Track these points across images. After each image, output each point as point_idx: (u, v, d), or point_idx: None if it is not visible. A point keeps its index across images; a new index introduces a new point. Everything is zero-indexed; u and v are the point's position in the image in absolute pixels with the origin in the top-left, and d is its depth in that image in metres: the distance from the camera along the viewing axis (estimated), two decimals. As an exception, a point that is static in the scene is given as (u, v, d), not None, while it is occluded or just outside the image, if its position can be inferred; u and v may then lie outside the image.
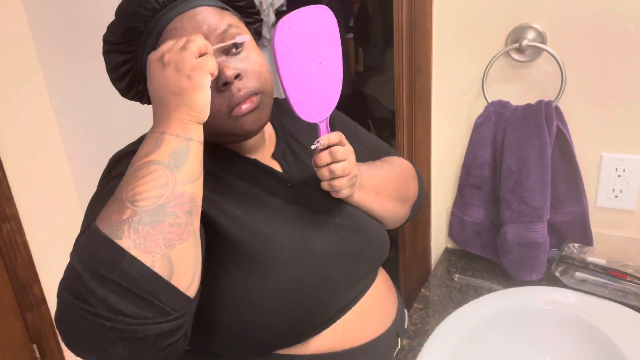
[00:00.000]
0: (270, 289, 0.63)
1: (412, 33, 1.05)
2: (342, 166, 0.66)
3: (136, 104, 0.73)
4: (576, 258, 0.93)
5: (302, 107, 0.64)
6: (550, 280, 0.96)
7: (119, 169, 0.62)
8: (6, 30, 1.50)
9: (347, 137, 0.69)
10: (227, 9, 0.66)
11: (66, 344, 0.49)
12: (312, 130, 0.80)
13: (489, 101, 1.00)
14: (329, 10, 0.65)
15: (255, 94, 0.64)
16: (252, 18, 0.73)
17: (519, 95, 1.00)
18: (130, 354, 0.48)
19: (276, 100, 0.79)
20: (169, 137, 0.53)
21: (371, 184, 0.76)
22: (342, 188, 0.67)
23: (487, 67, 0.97)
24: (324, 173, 0.66)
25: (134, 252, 0.47)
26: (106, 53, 0.67)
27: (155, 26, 0.62)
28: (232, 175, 0.69)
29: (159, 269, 0.48)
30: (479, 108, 1.02)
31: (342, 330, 0.70)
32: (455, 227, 1.11)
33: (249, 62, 0.64)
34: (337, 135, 0.67)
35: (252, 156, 0.72)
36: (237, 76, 0.62)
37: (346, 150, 0.67)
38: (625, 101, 0.91)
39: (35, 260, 1.63)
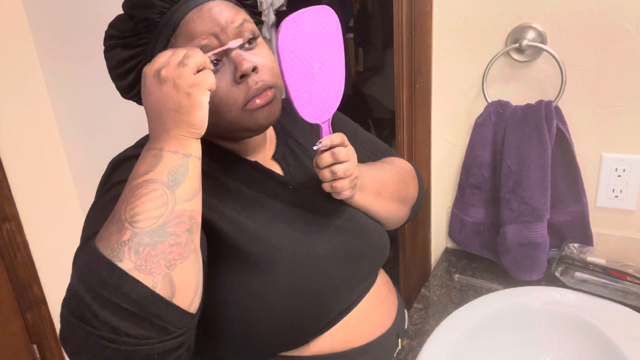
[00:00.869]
0: (271, 291, 0.63)
1: (412, 33, 1.05)
2: (344, 167, 0.66)
3: (137, 104, 0.73)
4: (576, 258, 0.93)
5: (305, 108, 0.64)
6: (550, 280, 0.96)
7: (119, 176, 0.62)
8: (6, 30, 1.50)
9: (347, 138, 0.69)
10: (239, 5, 0.67)
11: None
12: (313, 132, 0.81)
13: (489, 101, 1.00)
14: (332, 11, 0.65)
15: (270, 87, 0.64)
16: (256, 18, 0.73)
17: (519, 95, 1.00)
18: None
19: None
20: (167, 154, 0.52)
21: (372, 185, 0.76)
22: (343, 189, 0.67)
23: (487, 67, 0.98)
24: (325, 174, 0.66)
25: (135, 274, 0.47)
26: (110, 49, 0.66)
27: (171, 17, 0.61)
28: (232, 179, 0.69)
29: (161, 290, 0.48)
30: (479, 108, 1.02)
31: (342, 331, 0.70)
32: (455, 227, 1.11)
33: (263, 57, 0.64)
34: (339, 137, 0.67)
35: (253, 158, 0.72)
36: (254, 69, 0.62)
37: (348, 152, 0.66)
38: (625, 101, 0.91)
39: (35, 260, 1.63)
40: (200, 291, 0.53)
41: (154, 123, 0.54)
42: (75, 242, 0.54)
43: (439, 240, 1.20)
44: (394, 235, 1.02)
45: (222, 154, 0.70)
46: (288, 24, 0.60)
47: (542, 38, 0.94)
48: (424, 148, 1.13)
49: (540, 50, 0.94)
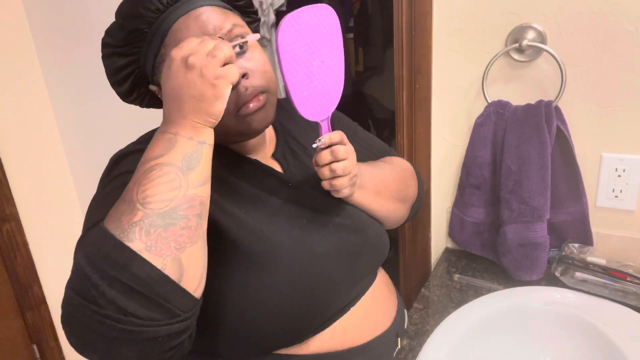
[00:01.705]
0: (270, 289, 0.63)
1: (412, 33, 1.05)
2: (343, 165, 0.66)
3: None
4: (576, 258, 0.93)
5: (304, 106, 0.65)
6: (550, 280, 0.96)
7: (120, 168, 0.62)
8: (6, 30, 1.50)
9: (347, 137, 0.69)
10: (229, 9, 0.66)
11: (72, 344, 0.49)
12: (312, 131, 0.81)
13: (489, 101, 1.00)
14: (332, 9, 0.65)
15: (261, 92, 0.64)
16: (250, 18, 0.73)
17: (519, 95, 1.00)
18: (137, 355, 0.48)
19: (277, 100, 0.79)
20: (182, 139, 0.53)
21: (371, 184, 0.76)
22: (342, 187, 0.67)
23: (487, 67, 0.98)
24: (324, 172, 0.66)
25: (145, 255, 0.47)
26: (106, 57, 0.66)
27: (159, 27, 0.62)
28: (232, 176, 0.69)
29: (170, 271, 0.48)
30: (479, 108, 1.02)
31: (342, 330, 0.70)
32: (455, 227, 1.11)
33: (254, 61, 0.64)
34: (338, 134, 0.67)
35: (253, 156, 0.72)
36: (244, 75, 0.62)
37: (347, 150, 0.67)
38: (625, 101, 0.91)
39: (35, 260, 1.63)
40: (205, 277, 0.54)
41: (172, 107, 0.54)
42: (76, 242, 0.54)
43: (439, 240, 1.20)
44: (394, 235, 1.02)
45: (222, 151, 0.70)
46: (288, 22, 0.60)
47: (542, 38, 0.94)
48: (424, 148, 1.13)
49: (540, 50, 0.94)
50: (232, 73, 0.55)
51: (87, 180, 1.70)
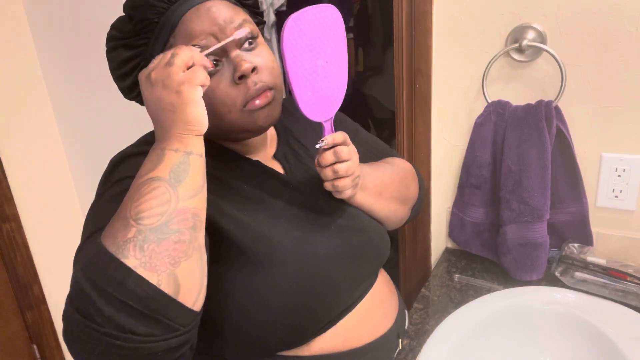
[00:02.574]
0: (272, 291, 0.63)
1: (412, 33, 1.05)
2: (345, 166, 0.66)
3: (136, 104, 0.73)
4: (576, 258, 0.93)
5: (308, 106, 0.65)
6: (550, 280, 0.96)
7: (119, 173, 0.62)
8: (6, 30, 1.50)
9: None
10: (239, 6, 0.67)
11: (73, 358, 0.49)
12: (314, 131, 0.81)
13: (489, 101, 1.00)
14: (336, 9, 0.65)
15: (269, 88, 0.64)
16: (257, 19, 0.73)
17: (519, 95, 1.00)
18: None
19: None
20: (169, 153, 0.52)
21: (373, 185, 0.76)
22: (345, 188, 0.67)
23: (487, 67, 0.98)
24: (327, 173, 0.66)
25: (140, 271, 0.47)
26: (111, 50, 0.66)
27: (169, 18, 0.61)
28: (234, 177, 0.69)
29: (166, 287, 0.48)
30: (479, 108, 1.02)
31: (343, 331, 0.70)
32: (455, 227, 1.11)
33: (263, 58, 0.64)
34: (341, 135, 0.66)
35: (254, 157, 0.72)
36: (254, 69, 0.62)
37: (350, 151, 0.66)
38: (625, 101, 0.91)
39: (35, 260, 1.63)
40: (205, 290, 0.54)
41: (155, 125, 0.55)
42: (76, 242, 0.54)
43: (439, 240, 1.20)
44: (394, 236, 1.02)
45: (223, 152, 0.70)
46: (292, 22, 0.60)
47: (542, 38, 0.94)
48: (424, 148, 1.13)
49: (540, 50, 0.94)
50: (196, 75, 0.53)
51: (87, 180, 1.70)
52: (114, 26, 0.65)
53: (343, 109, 0.78)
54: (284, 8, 1.93)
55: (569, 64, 0.93)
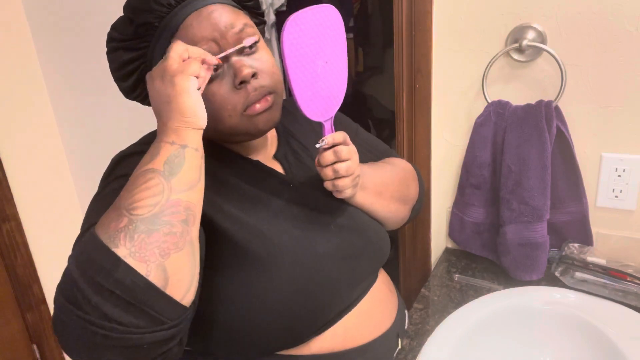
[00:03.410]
0: (271, 290, 0.63)
1: (412, 33, 1.05)
2: (346, 166, 0.66)
3: (137, 104, 0.73)
4: (576, 258, 0.93)
5: (309, 106, 0.65)
6: (550, 280, 0.96)
7: (121, 170, 0.62)
8: (6, 30, 1.50)
9: None
10: (239, 9, 0.67)
11: (62, 347, 0.49)
12: (314, 131, 0.81)
13: (489, 101, 1.00)
14: (336, 10, 0.65)
15: (269, 93, 0.64)
16: (257, 19, 0.73)
17: (519, 95, 1.00)
18: None
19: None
20: (164, 145, 0.53)
21: (373, 185, 0.76)
22: (345, 188, 0.67)
23: (487, 67, 0.98)
24: (327, 172, 0.66)
25: (129, 261, 0.47)
26: (112, 51, 0.66)
27: (170, 22, 0.61)
28: (233, 176, 0.69)
29: (154, 278, 0.48)
30: (479, 108, 1.02)
31: (342, 331, 0.70)
32: (455, 227, 1.11)
33: (263, 62, 0.64)
34: (341, 135, 0.67)
35: (254, 157, 0.72)
36: (254, 75, 0.62)
37: (350, 150, 0.67)
38: (625, 101, 0.91)
39: (35, 260, 1.63)
40: (196, 285, 0.53)
41: (157, 119, 0.57)
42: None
43: (439, 240, 1.20)
44: (394, 236, 1.01)
45: (223, 152, 0.70)
46: (292, 22, 0.60)
47: (542, 38, 0.94)
48: (424, 148, 1.13)
49: (540, 50, 0.94)
50: (190, 66, 0.55)
51: (87, 180, 1.70)
52: (114, 27, 0.65)
53: (343, 109, 0.78)
54: (284, 8, 1.93)
55: (569, 64, 0.93)
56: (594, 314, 0.81)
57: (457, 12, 1.00)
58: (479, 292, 0.96)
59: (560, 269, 0.93)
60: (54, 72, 1.61)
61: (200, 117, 0.55)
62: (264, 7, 1.88)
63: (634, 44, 0.88)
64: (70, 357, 0.49)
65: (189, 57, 0.56)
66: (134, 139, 0.71)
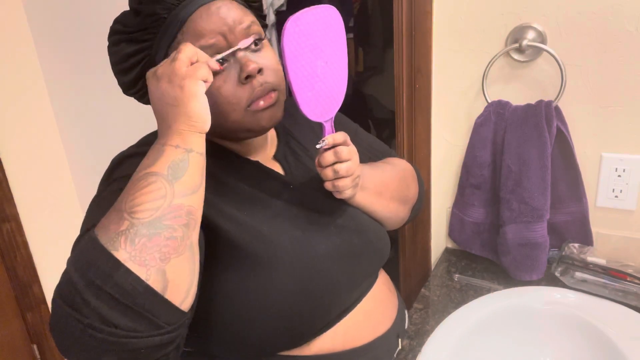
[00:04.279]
0: (271, 291, 0.63)
1: (412, 33, 1.05)
2: (346, 166, 0.66)
3: (137, 104, 0.73)
4: (576, 258, 0.93)
5: (309, 106, 0.65)
6: (550, 280, 0.96)
7: (121, 171, 0.62)
8: (6, 30, 1.50)
9: None
10: (247, 7, 0.67)
11: (58, 349, 0.49)
12: (314, 132, 0.81)
13: (489, 101, 1.00)
14: (336, 10, 0.65)
15: (274, 89, 0.64)
16: (261, 21, 0.73)
17: (519, 95, 1.00)
18: None
19: None
20: (168, 148, 0.53)
21: (373, 185, 0.76)
22: (345, 188, 0.67)
23: (487, 67, 0.98)
24: (327, 173, 0.66)
25: (129, 265, 0.47)
26: (114, 44, 0.65)
27: (178, 15, 0.61)
28: (233, 177, 0.69)
29: (153, 282, 0.48)
30: (479, 108, 1.02)
31: (343, 331, 0.70)
32: (455, 227, 1.11)
33: (269, 59, 0.65)
34: (341, 135, 0.67)
35: (254, 158, 0.72)
36: (259, 70, 0.62)
37: (350, 151, 0.67)
38: (625, 101, 0.91)
39: (35, 260, 1.63)
40: (194, 290, 0.53)
41: (159, 120, 0.56)
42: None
43: (439, 240, 1.20)
44: (394, 236, 1.01)
45: (223, 152, 0.70)
46: (293, 22, 0.61)
47: (542, 38, 0.94)
48: (424, 148, 1.13)
49: (540, 50, 0.94)
50: (200, 70, 0.55)
51: (87, 180, 1.70)
52: (117, 20, 0.65)
53: (343, 109, 0.78)
54: (284, 8, 1.93)
55: (569, 64, 0.93)
56: (594, 314, 0.81)
57: (457, 12, 1.00)
58: (479, 292, 0.96)
59: (560, 269, 0.93)
60: (54, 72, 1.61)
61: (206, 122, 0.55)
62: (264, 7, 1.88)
63: (634, 44, 0.88)
64: (67, 358, 0.49)
65: (197, 61, 0.56)
66: (134, 139, 0.71)
